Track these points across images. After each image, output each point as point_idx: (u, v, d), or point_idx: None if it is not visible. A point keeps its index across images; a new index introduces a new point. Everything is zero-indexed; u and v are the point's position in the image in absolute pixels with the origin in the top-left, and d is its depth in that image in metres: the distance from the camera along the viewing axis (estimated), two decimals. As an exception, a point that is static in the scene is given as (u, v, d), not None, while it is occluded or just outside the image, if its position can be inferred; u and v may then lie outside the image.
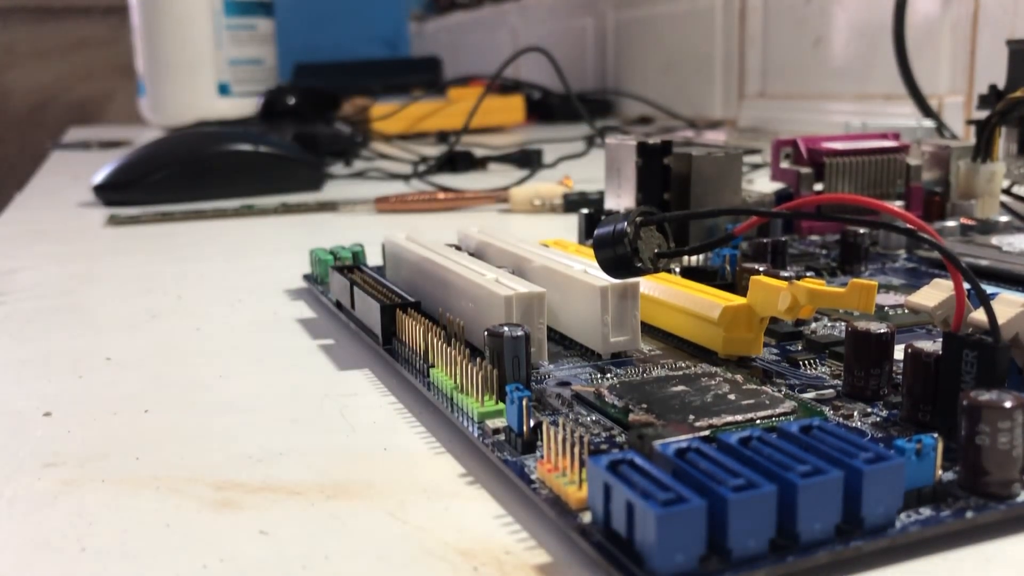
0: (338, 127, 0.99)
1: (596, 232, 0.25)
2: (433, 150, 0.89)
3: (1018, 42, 0.45)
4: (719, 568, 0.15)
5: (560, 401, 0.23)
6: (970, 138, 0.46)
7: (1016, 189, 0.47)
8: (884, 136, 0.45)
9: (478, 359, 0.22)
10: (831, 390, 0.23)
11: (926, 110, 0.64)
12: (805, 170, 0.43)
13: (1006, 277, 0.34)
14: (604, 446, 0.20)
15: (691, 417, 0.21)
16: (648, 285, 0.28)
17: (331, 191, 0.68)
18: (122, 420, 0.25)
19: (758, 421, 0.21)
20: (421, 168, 0.76)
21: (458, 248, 0.34)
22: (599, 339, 0.26)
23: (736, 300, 0.26)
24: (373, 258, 0.38)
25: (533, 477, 0.19)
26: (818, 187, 0.43)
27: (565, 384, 0.24)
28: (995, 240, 0.38)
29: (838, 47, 0.91)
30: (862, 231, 0.36)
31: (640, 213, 0.25)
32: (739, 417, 0.21)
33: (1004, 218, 0.42)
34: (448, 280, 0.29)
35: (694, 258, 0.34)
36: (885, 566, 0.16)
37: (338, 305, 0.33)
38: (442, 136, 1.04)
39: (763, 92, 1.03)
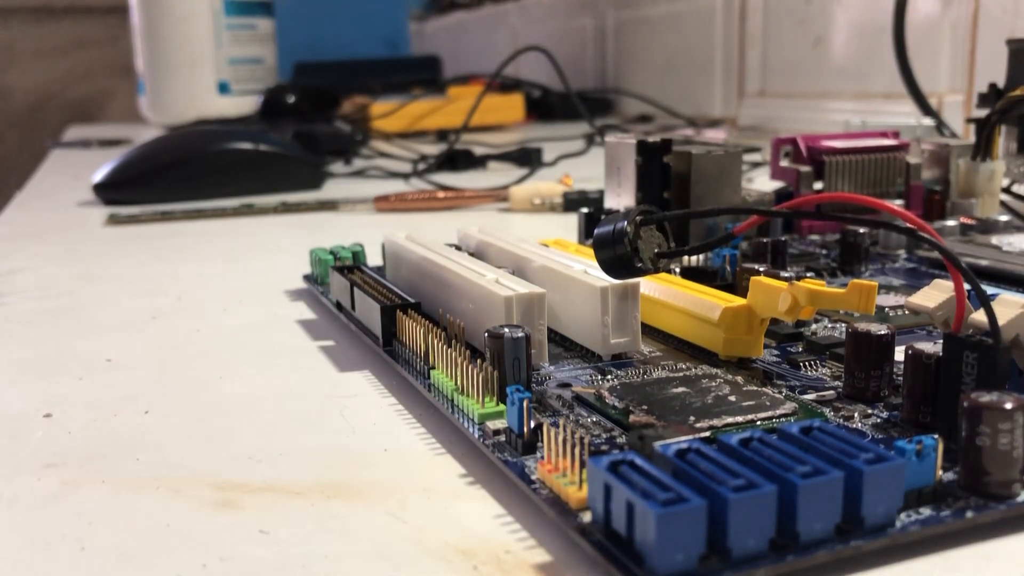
0: (338, 125, 0.99)
1: (596, 232, 0.25)
2: (433, 148, 0.89)
3: (1018, 41, 0.45)
4: (719, 567, 0.15)
5: (560, 402, 0.23)
6: (970, 137, 0.46)
7: (1016, 188, 0.47)
8: (884, 135, 0.45)
9: (478, 360, 0.22)
10: (832, 391, 0.23)
11: (926, 109, 0.64)
12: (805, 169, 0.43)
13: (1006, 277, 0.34)
14: (604, 447, 0.20)
15: (691, 418, 0.21)
16: (648, 286, 0.28)
17: (331, 190, 0.68)
18: (122, 421, 0.25)
19: (758, 422, 0.21)
20: (421, 167, 0.76)
21: (458, 248, 0.34)
22: (599, 340, 0.26)
23: (736, 301, 0.26)
24: (373, 258, 0.38)
25: (533, 478, 0.19)
26: (818, 186, 0.43)
27: (565, 385, 0.24)
28: (995, 240, 0.38)
29: (838, 46, 0.91)
30: (862, 231, 0.36)
31: (640, 212, 0.25)
32: (739, 418, 0.21)
33: (1004, 217, 0.42)
34: (448, 280, 0.29)
35: (694, 258, 0.34)
36: (885, 565, 0.16)
37: (338, 306, 0.33)
38: (442, 134, 1.04)
39: (763, 91, 1.03)
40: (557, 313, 0.28)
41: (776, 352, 0.26)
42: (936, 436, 0.17)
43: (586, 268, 0.27)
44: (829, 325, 0.29)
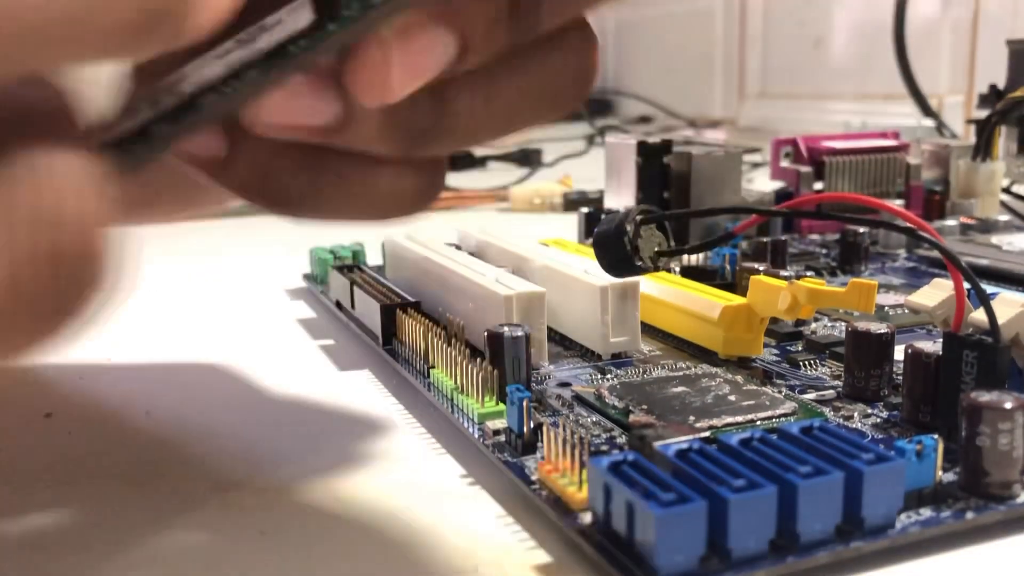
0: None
1: (596, 231, 0.25)
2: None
3: (1018, 42, 0.45)
4: (719, 568, 0.15)
5: (560, 402, 0.23)
6: (970, 137, 0.46)
7: (1016, 188, 0.47)
8: (884, 135, 0.45)
9: (478, 360, 0.22)
10: (831, 391, 0.23)
11: (926, 109, 0.64)
12: (805, 169, 0.43)
13: (1006, 277, 0.34)
14: (604, 447, 0.20)
15: (691, 418, 0.21)
16: (648, 285, 0.28)
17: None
18: (122, 421, 0.25)
19: (759, 422, 0.21)
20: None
21: (458, 247, 0.34)
22: (599, 339, 0.26)
23: (736, 300, 0.26)
24: (373, 257, 0.38)
25: (533, 478, 0.19)
26: (818, 186, 0.43)
27: (565, 385, 0.24)
28: (995, 239, 0.38)
29: (838, 47, 0.91)
30: (862, 230, 0.36)
31: (640, 211, 0.25)
32: (739, 418, 0.21)
33: (1004, 217, 0.42)
34: (448, 280, 0.29)
35: (694, 257, 0.34)
36: (885, 566, 0.16)
37: (338, 305, 0.33)
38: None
39: (763, 92, 1.03)
40: (557, 312, 0.28)
41: (776, 351, 0.26)
42: (936, 436, 0.17)
43: (586, 267, 0.27)
44: (829, 324, 0.29)
